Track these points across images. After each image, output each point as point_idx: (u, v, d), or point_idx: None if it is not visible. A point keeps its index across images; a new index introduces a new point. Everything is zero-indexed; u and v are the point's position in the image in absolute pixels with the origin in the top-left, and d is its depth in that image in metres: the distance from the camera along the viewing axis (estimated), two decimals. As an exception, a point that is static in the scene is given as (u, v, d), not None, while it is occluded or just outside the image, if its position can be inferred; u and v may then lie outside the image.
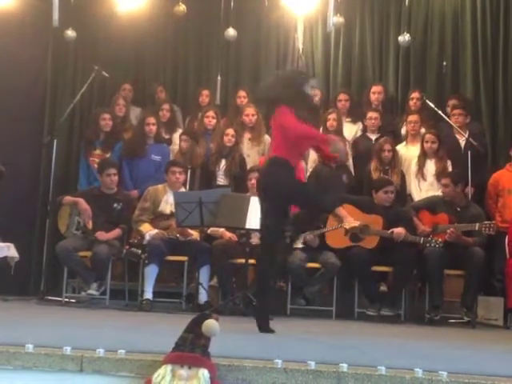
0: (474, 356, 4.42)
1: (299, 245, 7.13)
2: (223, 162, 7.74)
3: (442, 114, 7.81)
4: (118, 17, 8.73)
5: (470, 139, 7.50)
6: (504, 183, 7.37)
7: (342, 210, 7.18)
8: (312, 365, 3.43)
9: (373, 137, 8.07)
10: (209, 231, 7.21)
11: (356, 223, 7.00)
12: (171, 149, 8.14)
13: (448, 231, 6.80)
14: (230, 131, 7.77)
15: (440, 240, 6.73)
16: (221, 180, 7.74)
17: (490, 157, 8.14)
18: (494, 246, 7.06)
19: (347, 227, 7.00)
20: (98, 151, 7.94)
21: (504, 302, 6.78)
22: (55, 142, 7.79)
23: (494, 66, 8.45)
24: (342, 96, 8.43)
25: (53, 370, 3.46)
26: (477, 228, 6.77)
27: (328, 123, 7.91)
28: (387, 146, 7.60)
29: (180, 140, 7.91)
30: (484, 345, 5.17)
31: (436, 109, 7.82)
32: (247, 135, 8.08)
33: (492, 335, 6.02)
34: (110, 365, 3.45)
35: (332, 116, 7.94)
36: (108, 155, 7.88)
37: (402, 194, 7.58)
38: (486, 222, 6.80)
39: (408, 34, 8.61)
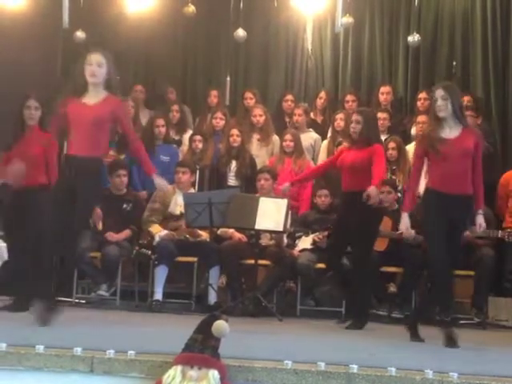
0: (484, 357, 4.42)
1: (308, 246, 7.13)
2: (234, 163, 7.74)
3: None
4: (128, 18, 8.77)
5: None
6: (514, 184, 7.33)
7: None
8: (322, 366, 3.43)
9: (382, 137, 8.03)
10: (218, 232, 7.21)
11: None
12: (181, 150, 8.15)
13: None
14: (235, 131, 7.77)
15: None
16: (231, 181, 7.74)
17: (500, 157, 8.11)
18: (504, 247, 7.03)
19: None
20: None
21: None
22: (65, 143, 7.79)
23: (504, 66, 8.43)
24: (350, 97, 8.45)
25: (63, 371, 3.48)
26: (499, 235, 6.74)
27: (335, 123, 7.94)
28: (391, 145, 7.57)
29: (193, 140, 7.89)
30: (494, 346, 5.15)
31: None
32: (256, 136, 8.09)
33: (502, 336, 6.00)
34: (121, 366, 3.46)
35: (339, 116, 7.97)
36: (123, 157, 7.88)
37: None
38: (508, 230, 6.78)
39: (417, 35, 8.61)
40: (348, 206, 6.05)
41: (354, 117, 6.20)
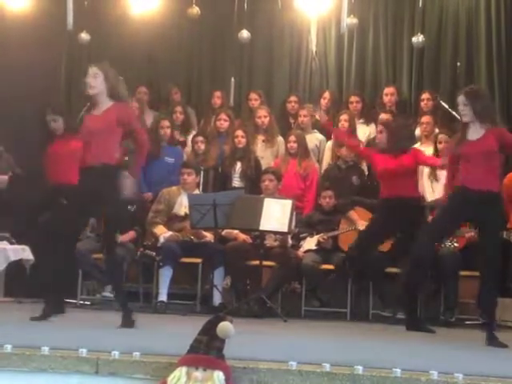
0: (489, 358, 4.41)
1: (313, 246, 7.13)
2: (238, 164, 7.73)
3: (456, 115, 7.75)
4: (132, 19, 8.77)
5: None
6: (519, 184, 7.30)
7: (353, 214, 7.21)
8: (327, 367, 3.43)
9: (386, 138, 8.03)
10: (223, 233, 7.22)
11: (370, 225, 7.01)
12: (185, 151, 8.15)
13: (466, 235, 6.75)
14: (240, 132, 7.76)
15: (455, 240, 6.71)
16: (236, 182, 7.74)
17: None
18: (509, 247, 7.00)
19: (361, 228, 7.02)
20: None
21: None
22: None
23: (509, 66, 8.42)
24: (354, 98, 8.45)
25: (68, 372, 3.48)
26: (504, 236, 6.73)
27: (339, 125, 7.93)
28: None
29: (195, 142, 7.89)
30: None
31: (450, 109, 7.78)
32: (260, 137, 8.09)
33: (508, 337, 5.98)
34: (125, 367, 3.47)
35: (343, 117, 7.95)
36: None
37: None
38: None
39: (422, 35, 8.60)
40: (396, 210, 6.44)
41: (378, 128, 6.82)
